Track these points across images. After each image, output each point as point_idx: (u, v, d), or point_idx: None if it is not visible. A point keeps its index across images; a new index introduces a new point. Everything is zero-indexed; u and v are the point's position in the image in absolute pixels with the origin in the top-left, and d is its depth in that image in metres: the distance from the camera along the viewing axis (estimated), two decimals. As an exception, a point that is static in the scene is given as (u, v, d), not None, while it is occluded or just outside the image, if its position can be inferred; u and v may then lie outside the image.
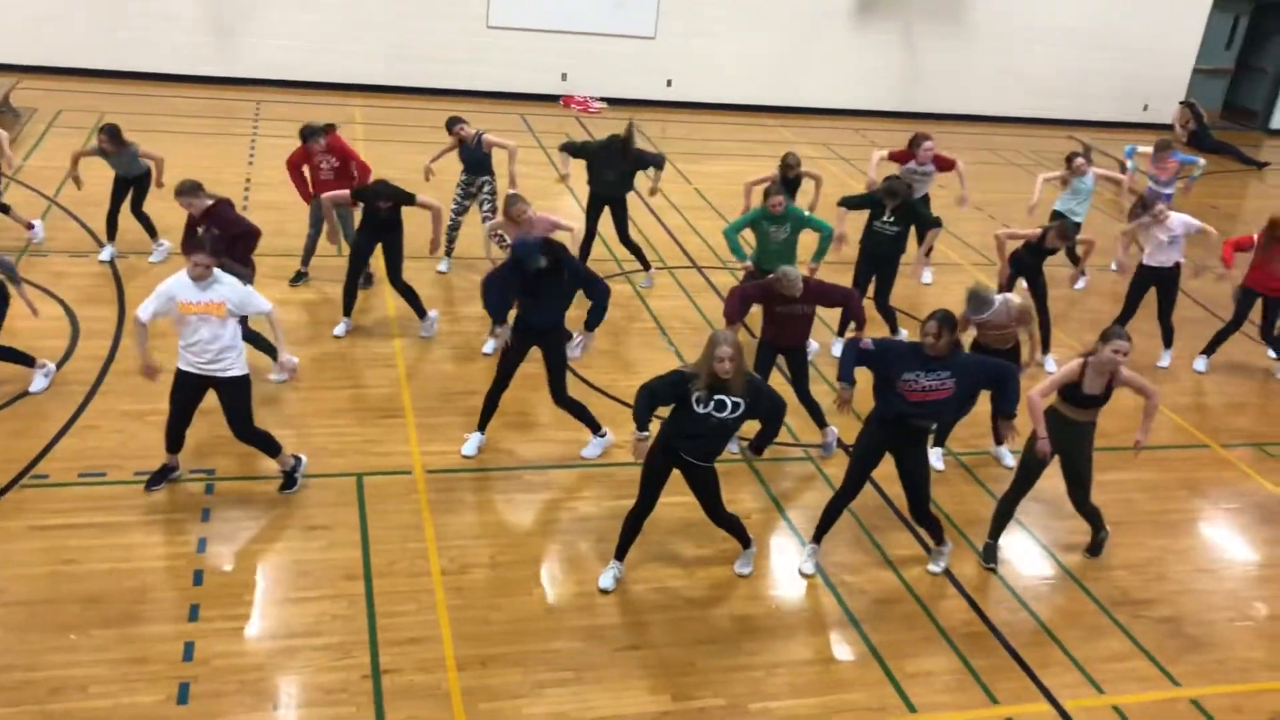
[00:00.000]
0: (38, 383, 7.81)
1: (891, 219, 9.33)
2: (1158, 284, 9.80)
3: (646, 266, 10.82)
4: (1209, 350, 10.15)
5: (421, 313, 9.24)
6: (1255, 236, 9.77)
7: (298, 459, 7.04)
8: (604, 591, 6.36)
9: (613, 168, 10.29)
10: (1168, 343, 10.11)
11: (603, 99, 17.95)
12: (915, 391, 6.24)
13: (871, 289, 9.64)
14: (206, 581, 6.17)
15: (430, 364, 8.92)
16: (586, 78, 17.98)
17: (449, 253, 10.74)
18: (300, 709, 5.39)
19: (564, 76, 17.96)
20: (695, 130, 17.12)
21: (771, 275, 7.63)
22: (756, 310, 7.90)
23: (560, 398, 7.59)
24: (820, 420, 8.03)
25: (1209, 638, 6.56)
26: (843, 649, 6.21)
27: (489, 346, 9.04)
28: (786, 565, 6.86)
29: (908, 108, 19.25)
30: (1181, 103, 19.88)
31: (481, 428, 7.65)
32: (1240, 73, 21.84)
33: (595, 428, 7.75)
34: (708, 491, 6.35)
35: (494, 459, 7.63)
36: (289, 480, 6.98)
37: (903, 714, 5.75)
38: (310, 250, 10.12)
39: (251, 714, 5.31)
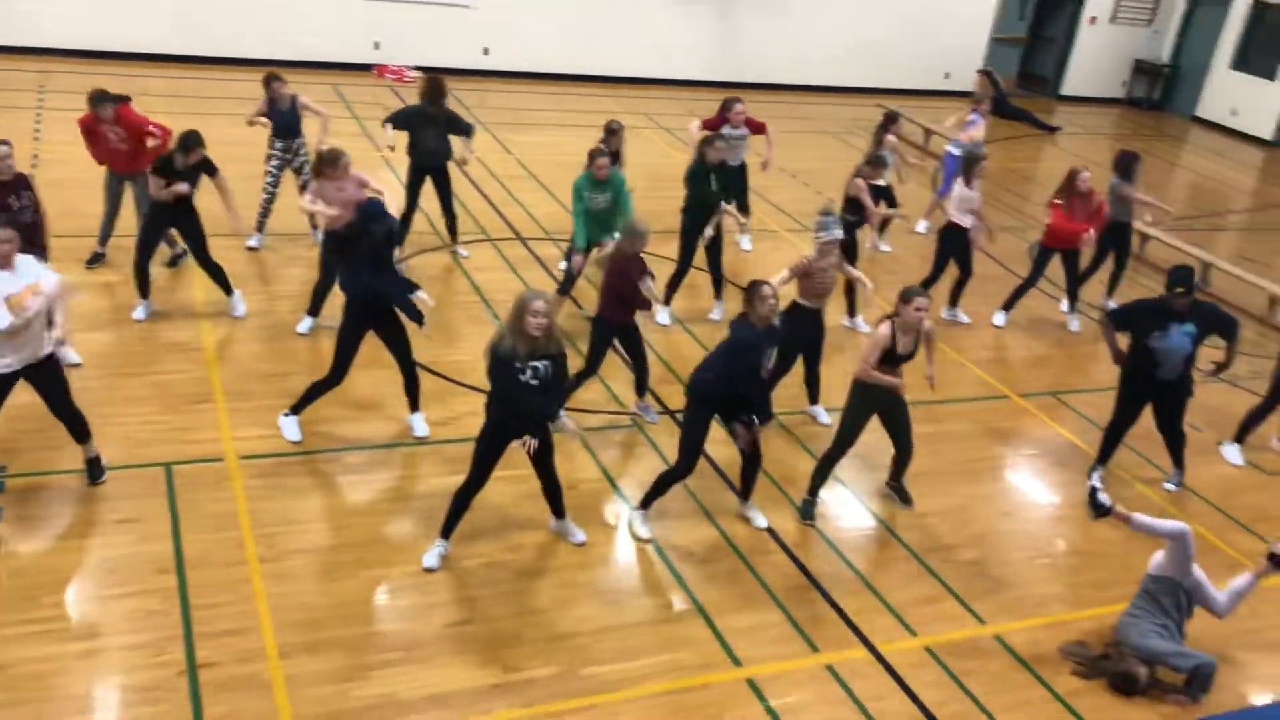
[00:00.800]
0: None
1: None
2: (965, 244, 10.25)
3: (455, 239, 10.71)
4: (1008, 306, 10.73)
5: (228, 290, 8.87)
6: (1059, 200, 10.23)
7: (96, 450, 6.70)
8: (429, 570, 6.29)
9: (431, 127, 10.12)
10: (955, 299, 10.61)
11: (418, 68, 17.55)
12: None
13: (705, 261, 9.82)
14: (2, 585, 5.80)
15: (241, 345, 8.59)
16: (400, 46, 17.54)
17: (260, 227, 10.33)
18: (110, 712, 5.15)
19: (377, 45, 17.47)
20: (515, 100, 16.95)
21: (617, 242, 7.69)
22: (587, 289, 7.91)
23: (406, 368, 7.45)
24: (642, 390, 8.11)
25: (1011, 577, 6.98)
26: (670, 609, 6.33)
27: (303, 326, 8.77)
28: (616, 531, 6.93)
29: (725, 77, 19.51)
30: (980, 71, 20.85)
31: (296, 410, 7.44)
32: (1033, 41, 23.05)
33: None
34: (542, 460, 6.36)
35: (315, 441, 7.42)
36: (96, 469, 6.64)
37: (729, 668, 5.91)
38: (107, 230, 9.58)
39: (59, 718, 5.04)
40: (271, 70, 10.47)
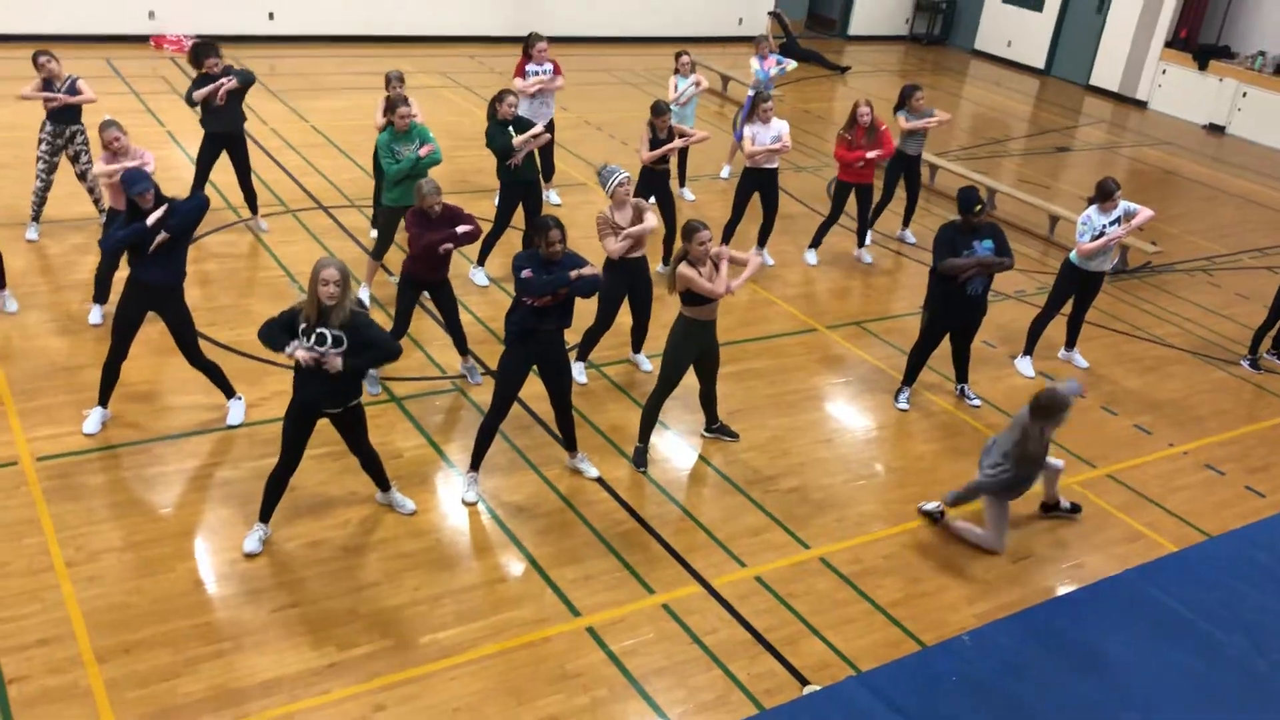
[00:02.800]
0: None
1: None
2: (763, 186, 10.46)
3: (255, 211, 10.31)
4: (815, 243, 11.08)
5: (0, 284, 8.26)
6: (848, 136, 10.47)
7: None
8: (250, 555, 6.12)
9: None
10: (762, 241, 10.67)
11: (199, 37, 16.66)
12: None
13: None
14: None
15: (28, 340, 8.06)
16: (178, 15, 16.61)
17: (36, 218, 9.66)
18: (-87, 741, 4.83)
19: (151, 15, 16.50)
20: (306, 65, 16.33)
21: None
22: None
23: (195, 359, 7.14)
24: (464, 349, 8.04)
25: (830, 500, 7.29)
26: (504, 568, 6.35)
27: (94, 316, 8.29)
28: (445, 497, 6.88)
29: (518, 32, 19.28)
30: (770, 13, 21.32)
31: (103, 402, 7.04)
32: (818, -17, 23.69)
33: (229, 391, 7.35)
34: (354, 434, 6.28)
35: (118, 434, 7.07)
36: None
37: (567, 619, 5.98)
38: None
39: None
40: (41, 46, 9.67)
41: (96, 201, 9.54)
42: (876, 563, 6.75)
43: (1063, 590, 6.65)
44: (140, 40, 16.37)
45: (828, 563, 6.69)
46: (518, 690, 5.50)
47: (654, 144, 9.69)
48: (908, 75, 20.52)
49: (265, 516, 6.21)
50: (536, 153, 9.79)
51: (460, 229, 7.51)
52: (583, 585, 6.24)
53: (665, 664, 5.77)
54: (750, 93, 13.04)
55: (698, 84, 11.84)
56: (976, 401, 8.66)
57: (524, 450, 7.39)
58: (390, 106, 8.91)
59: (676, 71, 12.01)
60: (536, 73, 11.05)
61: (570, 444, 7.16)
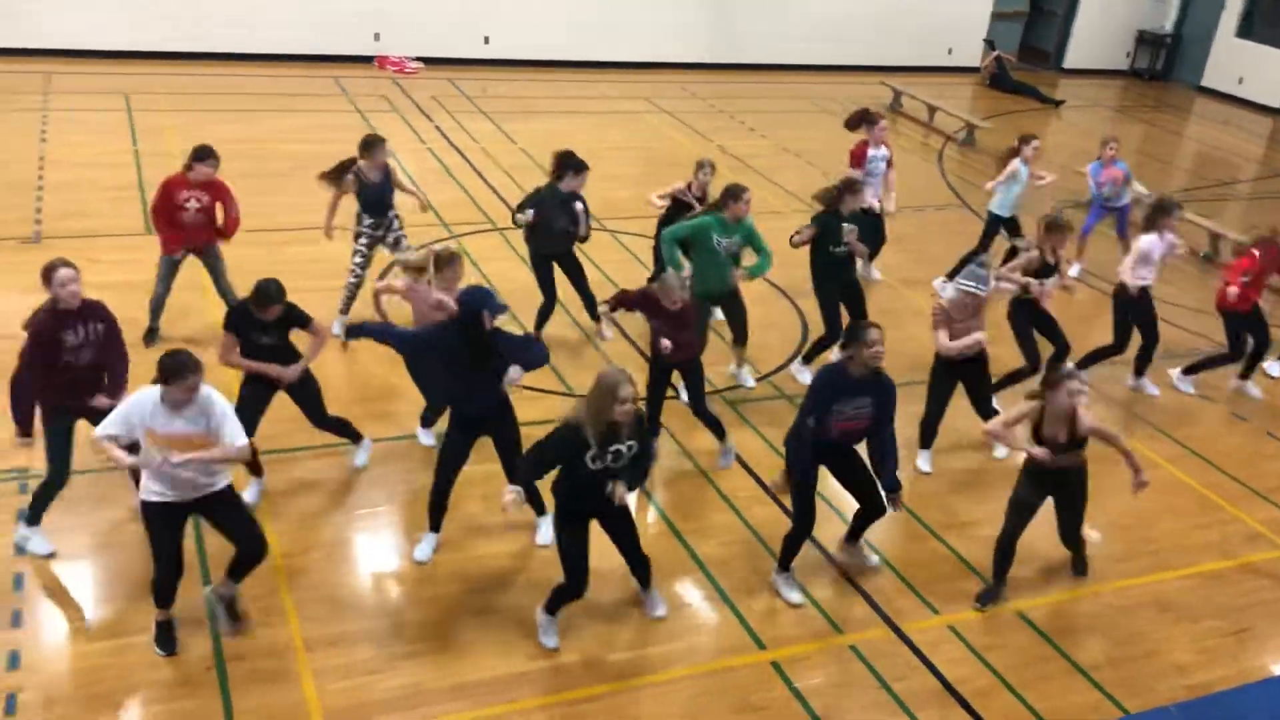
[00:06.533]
0: None
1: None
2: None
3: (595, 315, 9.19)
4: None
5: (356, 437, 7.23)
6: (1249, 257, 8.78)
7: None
8: (551, 650, 5.84)
9: (561, 209, 8.50)
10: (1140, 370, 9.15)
11: (419, 59, 17.53)
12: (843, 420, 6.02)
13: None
14: (29, 584, 5.84)
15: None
16: (401, 37, 17.51)
17: (346, 311, 8.82)
18: (143, 707, 5.19)
19: (377, 36, 17.44)
20: (516, 88, 16.91)
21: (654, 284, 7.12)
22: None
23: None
24: (720, 434, 7.57)
25: (1031, 551, 6.82)
26: (692, 595, 6.36)
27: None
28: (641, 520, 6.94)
29: (724, 59, 19.48)
30: (985, 41, 20.85)
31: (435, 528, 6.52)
32: (1034, 14, 22.94)
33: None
34: (623, 530, 5.86)
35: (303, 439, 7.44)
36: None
37: (752, 651, 5.94)
38: (161, 304, 8.39)
39: (90, 715, 5.08)
40: (371, 134, 8.86)
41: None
42: (1079, 621, 6.43)
43: (1286, 670, 6.18)
44: (365, 60, 17.30)
45: (1025, 617, 6.42)
46: (700, 717, 5.48)
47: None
48: (1126, 112, 19.65)
49: (538, 509, 6.17)
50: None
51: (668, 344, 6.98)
52: (769, 618, 6.18)
53: (850, 706, 5.65)
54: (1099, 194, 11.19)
55: (889, 161, 10.41)
56: None
57: (717, 481, 7.40)
58: (734, 192, 7.91)
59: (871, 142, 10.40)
60: (876, 157, 10.23)
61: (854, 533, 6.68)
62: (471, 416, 6.19)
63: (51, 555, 6.06)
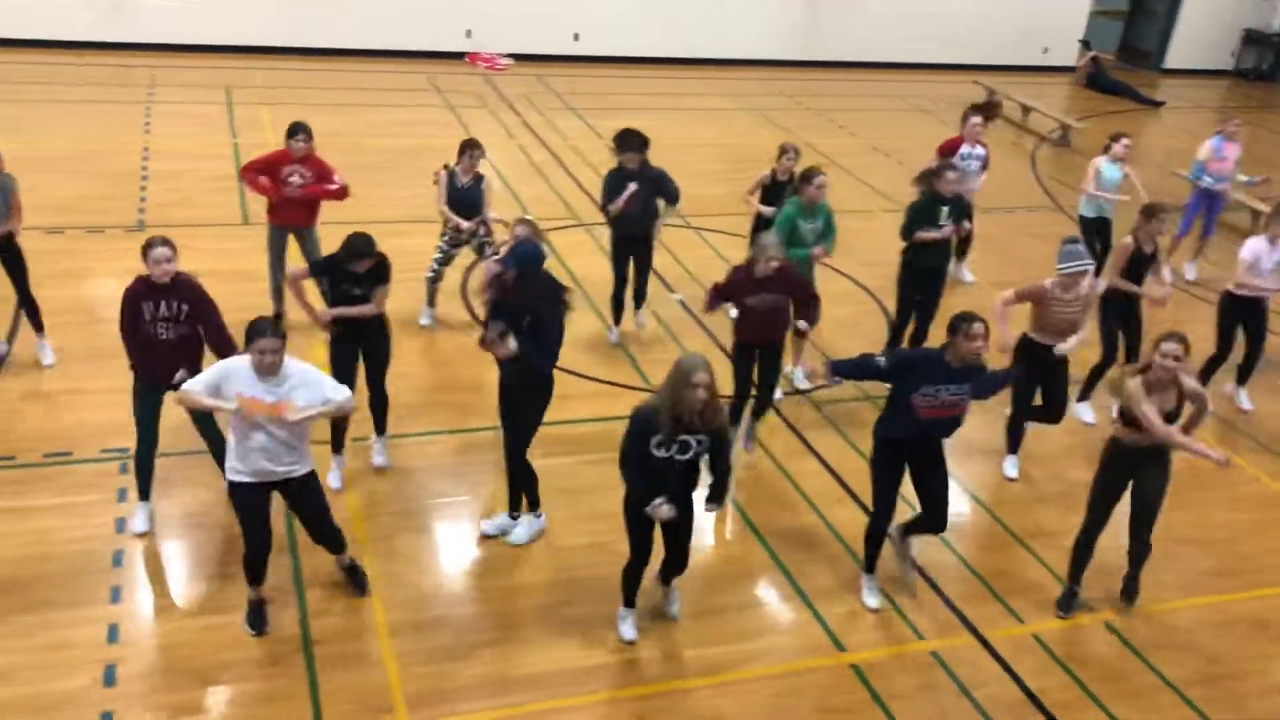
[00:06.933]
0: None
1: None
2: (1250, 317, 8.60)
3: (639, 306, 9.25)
4: None
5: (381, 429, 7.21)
6: None
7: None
8: (629, 642, 5.81)
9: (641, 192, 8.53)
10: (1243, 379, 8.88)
11: (509, 55, 17.72)
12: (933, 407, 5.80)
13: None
14: (126, 562, 6.04)
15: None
16: (492, 34, 17.71)
17: (431, 302, 9.08)
18: (233, 684, 5.33)
19: (468, 33, 17.66)
20: (604, 85, 17.00)
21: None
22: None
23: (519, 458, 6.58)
24: (758, 416, 7.49)
25: (1121, 563, 6.69)
26: (773, 595, 6.33)
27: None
28: (716, 518, 6.93)
29: (813, 56, 19.34)
30: (1080, 41, 20.38)
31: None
32: (1135, 13, 22.35)
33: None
34: (686, 534, 5.73)
35: (442, 420, 7.56)
36: (358, 579, 5.98)
37: (832, 653, 5.89)
38: (280, 290, 8.57)
39: (182, 692, 5.23)
40: (469, 139, 8.81)
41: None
42: (1170, 635, 6.26)
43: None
44: (457, 57, 17.54)
45: (1114, 629, 6.27)
46: (778, 717, 5.46)
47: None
48: (1229, 114, 18.95)
49: (629, 602, 5.85)
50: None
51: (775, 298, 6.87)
52: (849, 621, 6.13)
53: (931, 712, 5.58)
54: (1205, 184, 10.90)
55: (985, 163, 10.18)
56: None
57: (797, 480, 7.36)
58: (808, 175, 7.88)
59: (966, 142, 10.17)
60: (969, 155, 9.96)
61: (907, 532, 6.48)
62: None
63: (146, 533, 6.26)
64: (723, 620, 6.06)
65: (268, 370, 5.20)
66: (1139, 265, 8.02)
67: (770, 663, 5.79)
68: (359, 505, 6.67)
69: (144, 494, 6.29)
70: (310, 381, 5.35)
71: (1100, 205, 10.19)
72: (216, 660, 5.46)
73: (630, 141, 8.38)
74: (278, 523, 6.11)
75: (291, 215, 8.35)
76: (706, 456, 5.40)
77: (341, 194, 8.38)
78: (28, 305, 7.80)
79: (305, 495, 5.58)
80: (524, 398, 6.30)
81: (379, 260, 6.52)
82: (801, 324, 7.12)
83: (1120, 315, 8.15)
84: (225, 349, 6.01)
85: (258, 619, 5.63)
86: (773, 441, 7.70)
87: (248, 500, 5.44)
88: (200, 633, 5.61)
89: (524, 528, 6.53)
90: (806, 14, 19.17)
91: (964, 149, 10.01)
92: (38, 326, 7.86)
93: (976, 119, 10.09)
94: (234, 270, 8.87)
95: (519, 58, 17.71)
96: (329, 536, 5.76)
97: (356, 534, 6.40)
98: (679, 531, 5.68)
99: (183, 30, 16.21)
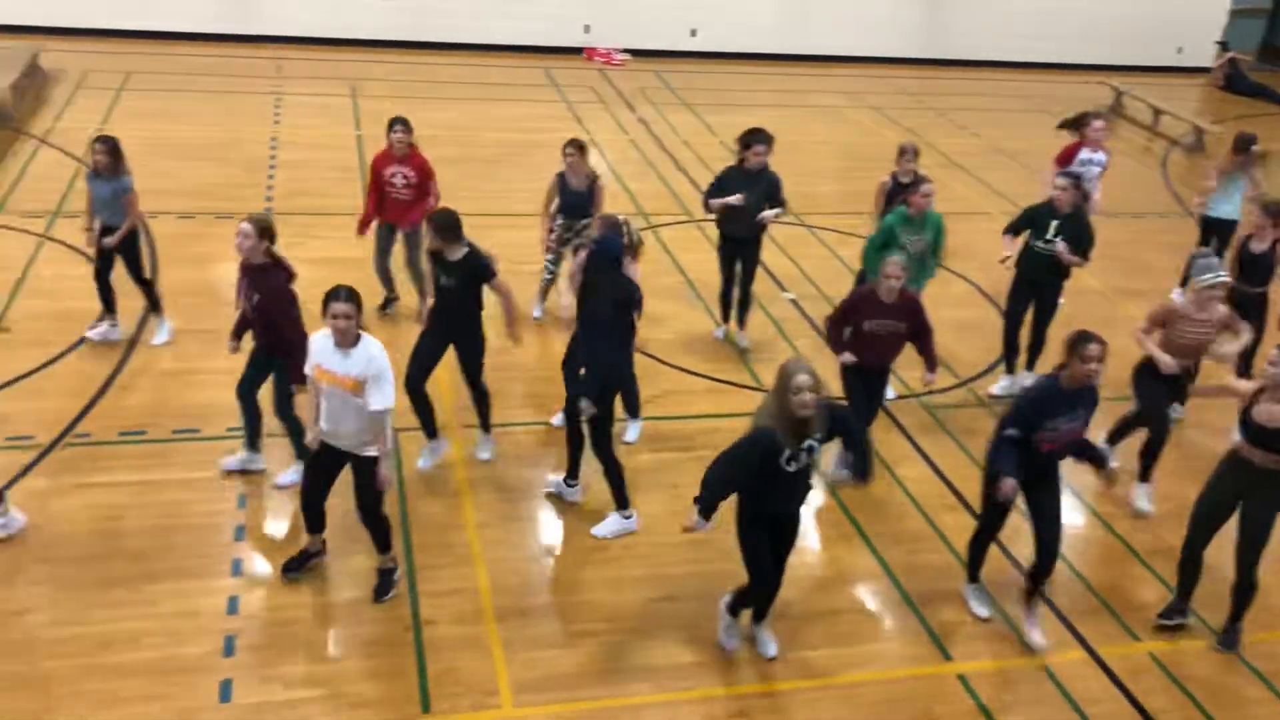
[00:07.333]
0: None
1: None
2: None
3: (742, 324, 8.97)
4: None
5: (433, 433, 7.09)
6: None
7: (395, 564, 5.98)
8: (770, 659, 5.70)
9: (750, 193, 8.26)
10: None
11: (626, 50, 17.80)
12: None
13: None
14: (248, 537, 6.26)
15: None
16: (609, 29, 17.81)
17: (544, 297, 9.18)
18: (344, 661, 5.48)
19: (587, 28, 17.80)
20: (719, 80, 16.95)
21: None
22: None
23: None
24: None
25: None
26: (879, 600, 6.24)
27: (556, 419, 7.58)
28: (823, 520, 6.88)
29: (935, 54, 19.00)
30: (1217, 43, 19.58)
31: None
32: (1277, 13, 21.38)
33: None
34: (789, 543, 5.59)
35: (512, 415, 7.66)
36: (384, 584, 5.89)
37: (938, 662, 5.79)
38: (385, 274, 8.79)
39: (296, 665, 5.40)
40: (574, 137, 8.82)
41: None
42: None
43: None
44: (574, 52, 17.69)
45: (1239, 653, 6.01)
46: (880, 724, 5.40)
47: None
48: (1378, 117, 18.07)
49: (759, 617, 5.73)
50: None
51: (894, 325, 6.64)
52: (957, 630, 6.01)
53: (1041, 728, 5.44)
54: None
55: (1105, 168, 9.74)
56: None
57: (908, 486, 7.24)
58: (898, 189, 7.94)
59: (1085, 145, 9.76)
60: (1088, 161, 9.55)
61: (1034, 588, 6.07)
62: None
63: (289, 485, 6.55)
64: (826, 623, 6.00)
65: (340, 336, 5.35)
66: (1259, 264, 7.70)
67: (874, 669, 5.72)
68: (467, 490, 6.79)
69: (299, 455, 6.53)
70: (375, 372, 5.37)
71: (1227, 207, 9.81)
72: (330, 636, 5.62)
73: (761, 137, 8.30)
74: (387, 506, 6.25)
75: (396, 214, 8.49)
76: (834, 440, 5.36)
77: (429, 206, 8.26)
78: (142, 287, 8.12)
79: (360, 480, 5.71)
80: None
81: (470, 252, 6.54)
82: (929, 376, 6.83)
83: (1247, 314, 7.65)
84: (292, 346, 6.04)
85: (291, 563, 5.93)
86: (882, 444, 7.58)
87: (315, 454, 5.70)
88: (315, 609, 5.78)
89: (612, 522, 6.55)
90: (928, 10, 18.84)
91: (1083, 154, 9.62)
92: (154, 307, 8.21)
93: (1099, 122, 9.72)
94: (350, 258, 9.09)
95: (636, 53, 17.78)
96: (372, 528, 5.81)
97: (465, 518, 6.52)
98: (785, 548, 5.54)
99: (310, 24, 16.70)
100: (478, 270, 6.57)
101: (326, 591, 5.90)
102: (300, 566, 5.94)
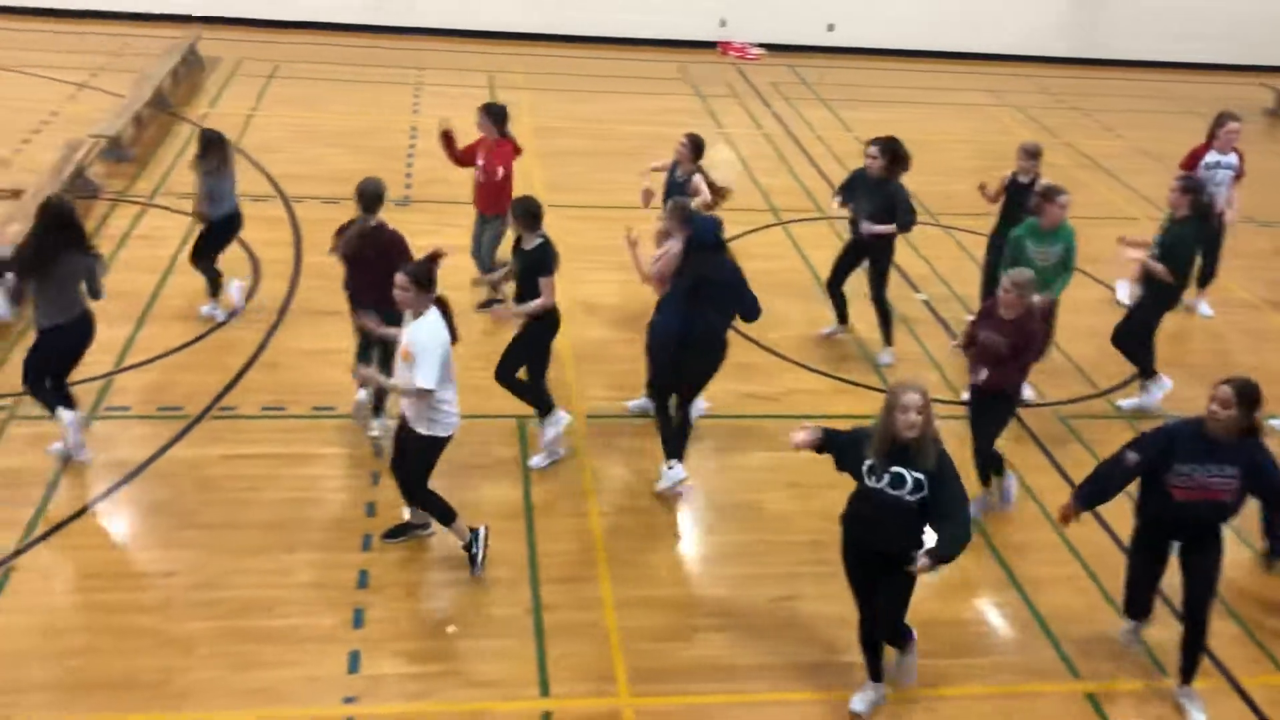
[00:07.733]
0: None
1: None
2: None
3: (888, 342, 8.54)
4: None
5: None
6: None
7: (475, 532, 5.98)
8: (856, 715, 5.35)
9: (866, 195, 8.31)
10: None
11: (761, 45, 17.68)
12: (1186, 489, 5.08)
13: None
14: (379, 514, 6.45)
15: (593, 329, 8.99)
16: (745, 23, 17.72)
17: None
18: (465, 640, 5.61)
19: (722, 22, 17.74)
20: (855, 76, 16.71)
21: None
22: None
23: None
24: (999, 469, 6.86)
25: None
26: (1004, 612, 6.10)
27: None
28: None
29: (1083, 54, 18.36)
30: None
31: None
32: None
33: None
34: (895, 600, 5.11)
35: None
36: (470, 558, 5.95)
37: (1065, 679, 5.63)
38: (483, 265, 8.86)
39: (422, 640, 5.55)
40: (701, 132, 8.88)
41: None
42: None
43: None
44: (709, 46, 17.65)
45: (1388, 691, 5.69)
46: (1001, 739, 5.27)
47: None
48: None
49: (876, 677, 5.34)
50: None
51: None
52: (1087, 647, 5.82)
53: (1172, 755, 5.24)
54: None
55: (1238, 172, 9.32)
56: None
57: (1038, 495, 7.05)
58: (1050, 192, 7.44)
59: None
60: (1213, 164, 9.20)
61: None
62: None
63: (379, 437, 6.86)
64: (949, 632, 5.88)
65: (401, 305, 5.60)
66: None
67: (996, 681, 5.59)
68: (589, 482, 6.86)
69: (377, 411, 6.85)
70: (416, 350, 5.50)
71: None
72: (453, 614, 5.75)
73: (875, 141, 8.13)
74: (512, 491, 6.37)
75: (479, 201, 8.68)
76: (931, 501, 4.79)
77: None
78: (203, 268, 8.34)
79: (403, 447, 5.88)
80: (694, 355, 6.52)
81: (542, 243, 6.58)
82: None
83: None
84: None
85: (392, 531, 6.20)
86: (1014, 453, 7.39)
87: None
88: (440, 586, 5.94)
89: (673, 474, 6.63)
90: (1073, 8, 18.22)
91: (1209, 157, 9.17)
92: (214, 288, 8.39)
93: (1235, 124, 9.22)
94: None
95: (771, 48, 17.64)
96: (421, 507, 6.01)
97: (588, 508, 6.60)
98: (890, 590, 5.05)
99: (450, 16, 17.04)
100: (534, 263, 6.60)
101: (451, 570, 6.04)
102: (398, 535, 6.20)
